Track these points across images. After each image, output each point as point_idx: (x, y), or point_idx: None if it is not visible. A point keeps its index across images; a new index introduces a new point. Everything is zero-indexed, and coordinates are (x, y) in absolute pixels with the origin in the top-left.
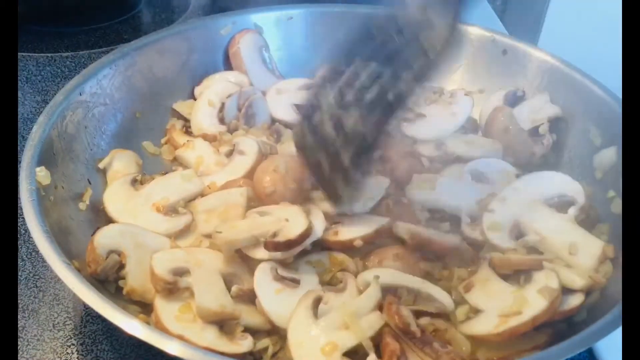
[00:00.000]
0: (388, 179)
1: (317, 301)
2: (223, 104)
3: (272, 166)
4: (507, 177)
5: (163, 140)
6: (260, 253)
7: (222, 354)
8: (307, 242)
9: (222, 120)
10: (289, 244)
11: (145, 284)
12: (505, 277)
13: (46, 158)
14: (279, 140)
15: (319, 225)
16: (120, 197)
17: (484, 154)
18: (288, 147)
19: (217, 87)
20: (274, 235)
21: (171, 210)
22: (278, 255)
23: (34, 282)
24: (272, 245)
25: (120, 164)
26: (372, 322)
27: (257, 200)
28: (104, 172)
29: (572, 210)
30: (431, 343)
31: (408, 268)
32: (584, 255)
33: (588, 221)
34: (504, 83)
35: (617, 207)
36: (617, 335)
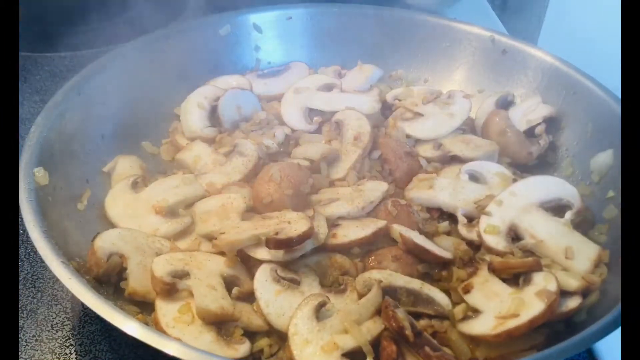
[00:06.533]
0: (386, 182)
1: (321, 305)
2: (214, 107)
3: (267, 176)
4: (503, 179)
5: (165, 141)
6: (262, 253)
7: None
8: (310, 246)
9: (216, 123)
10: (289, 242)
11: (147, 285)
12: (504, 279)
13: (45, 158)
14: (295, 145)
15: (322, 230)
16: (120, 202)
17: (482, 154)
18: (302, 150)
19: (205, 90)
20: (276, 234)
21: (171, 213)
22: (279, 255)
23: (32, 282)
24: (273, 242)
25: (124, 167)
26: (372, 328)
27: (258, 212)
28: (103, 172)
29: (568, 215)
30: (423, 346)
31: (407, 269)
32: (579, 259)
33: (585, 223)
34: (504, 83)
35: (609, 212)
36: (616, 336)
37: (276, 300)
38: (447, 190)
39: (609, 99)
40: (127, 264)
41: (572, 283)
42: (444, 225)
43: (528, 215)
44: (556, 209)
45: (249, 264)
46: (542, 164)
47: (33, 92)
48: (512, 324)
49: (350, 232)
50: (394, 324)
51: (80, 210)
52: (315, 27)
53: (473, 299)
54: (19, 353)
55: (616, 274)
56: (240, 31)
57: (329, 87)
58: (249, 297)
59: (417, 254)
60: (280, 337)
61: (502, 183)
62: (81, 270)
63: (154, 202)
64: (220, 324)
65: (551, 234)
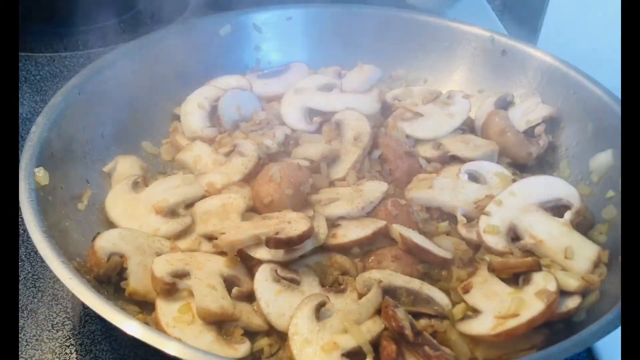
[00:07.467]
0: (386, 182)
1: (321, 305)
2: (214, 107)
3: (267, 176)
4: (503, 180)
5: (165, 141)
6: (262, 253)
7: None
8: (310, 245)
9: (216, 123)
10: (289, 242)
11: (147, 284)
12: (503, 279)
13: (45, 158)
14: (295, 145)
15: (322, 230)
16: (121, 202)
17: (481, 154)
18: (302, 150)
19: (205, 91)
20: (276, 234)
21: (171, 212)
22: (279, 255)
23: (33, 282)
24: (273, 241)
25: (124, 167)
26: (372, 328)
27: (258, 212)
28: (103, 172)
29: (567, 215)
30: (423, 346)
31: (407, 269)
32: (579, 259)
33: (585, 223)
34: (503, 83)
35: (609, 212)
36: (616, 336)
37: (276, 300)
38: (447, 190)
39: (609, 99)
40: (128, 264)
41: (572, 283)
42: (444, 225)
43: (527, 215)
44: (556, 209)
45: (249, 264)
46: (542, 164)
47: (33, 92)
48: (511, 323)
49: (350, 232)
50: (393, 324)
51: (81, 210)
52: (315, 27)
53: (473, 298)
54: (20, 353)
55: (616, 274)
56: (240, 31)
57: (329, 88)
58: (249, 297)
59: (417, 254)
60: (280, 337)
61: (502, 183)
62: (81, 270)
63: (154, 202)
64: (221, 324)
65: (551, 234)
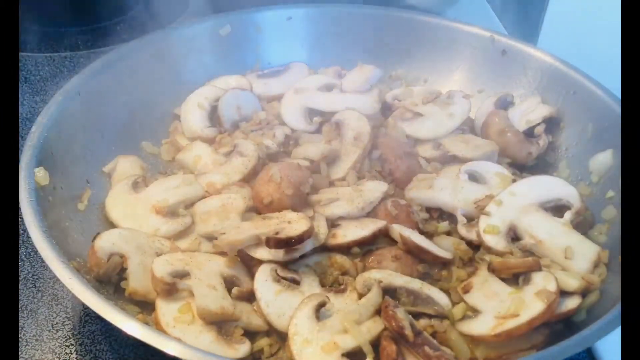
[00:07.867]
0: (386, 182)
1: (321, 305)
2: (214, 107)
3: (267, 176)
4: (503, 180)
5: (165, 141)
6: (262, 253)
7: None
8: (310, 245)
9: (216, 123)
10: (289, 242)
11: (147, 285)
12: (503, 279)
13: (45, 158)
14: (295, 145)
15: (322, 230)
16: (121, 202)
17: (481, 154)
18: (302, 150)
19: (205, 90)
20: (276, 234)
21: (171, 213)
22: (279, 255)
23: (33, 282)
24: (274, 241)
25: (124, 167)
26: (372, 328)
27: (258, 212)
28: (103, 172)
29: (567, 215)
30: (423, 346)
31: (407, 269)
32: (579, 259)
33: (585, 223)
34: (503, 83)
35: (609, 213)
36: (616, 336)
37: (276, 300)
38: (447, 190)
39: (609, 99)
40: (128, 264)
41: (572, 283)
42: (444, 225)
43: (527, 215)
44: (556, 209)
45: (249, 264)
46: (542, 164)
47: (33, 92)
48: (511, 323)
49: (350, 232)
50: (393, 324)
51: (81, 210)
52: (315, 27)
53: (473, 298)
54: (20, 353)
55: (616, 274)
56: (240, 31)
57: (329, 88)
58: (249, 297)
59: (417, 254)
60: (280, 337)
61: (502, 183)
62: (82, 270)
63: (154, 202)
64: (221, 324)
65: (551, 234)
